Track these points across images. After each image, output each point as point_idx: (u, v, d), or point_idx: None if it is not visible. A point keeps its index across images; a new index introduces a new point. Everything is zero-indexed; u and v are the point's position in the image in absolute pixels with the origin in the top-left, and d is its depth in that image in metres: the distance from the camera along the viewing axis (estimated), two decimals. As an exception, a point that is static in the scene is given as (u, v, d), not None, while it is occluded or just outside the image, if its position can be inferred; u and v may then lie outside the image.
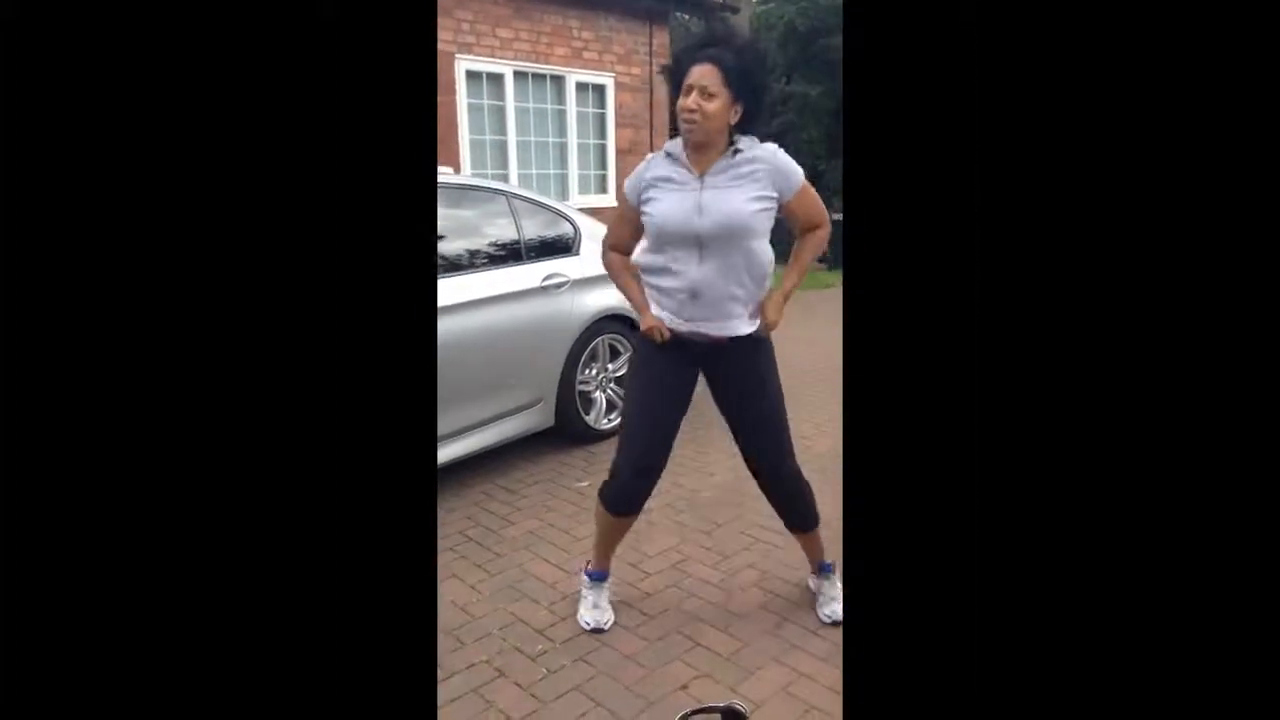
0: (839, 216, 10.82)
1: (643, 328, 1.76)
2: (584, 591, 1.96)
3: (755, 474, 1.86)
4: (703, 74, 1.58)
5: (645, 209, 1.69)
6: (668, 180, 1.67)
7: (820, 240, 1.76)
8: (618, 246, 1.86)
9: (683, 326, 1.70)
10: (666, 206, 1.65)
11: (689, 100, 1.59)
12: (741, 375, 1.75)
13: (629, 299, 1.82)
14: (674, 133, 1.73)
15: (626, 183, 1.77)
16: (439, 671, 1.73)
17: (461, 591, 2.10)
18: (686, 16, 7.43)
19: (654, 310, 1.75)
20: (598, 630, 1.89)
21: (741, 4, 9.11)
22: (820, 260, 10.45)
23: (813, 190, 1.73)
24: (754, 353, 1.74)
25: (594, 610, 1.92)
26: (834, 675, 1.72)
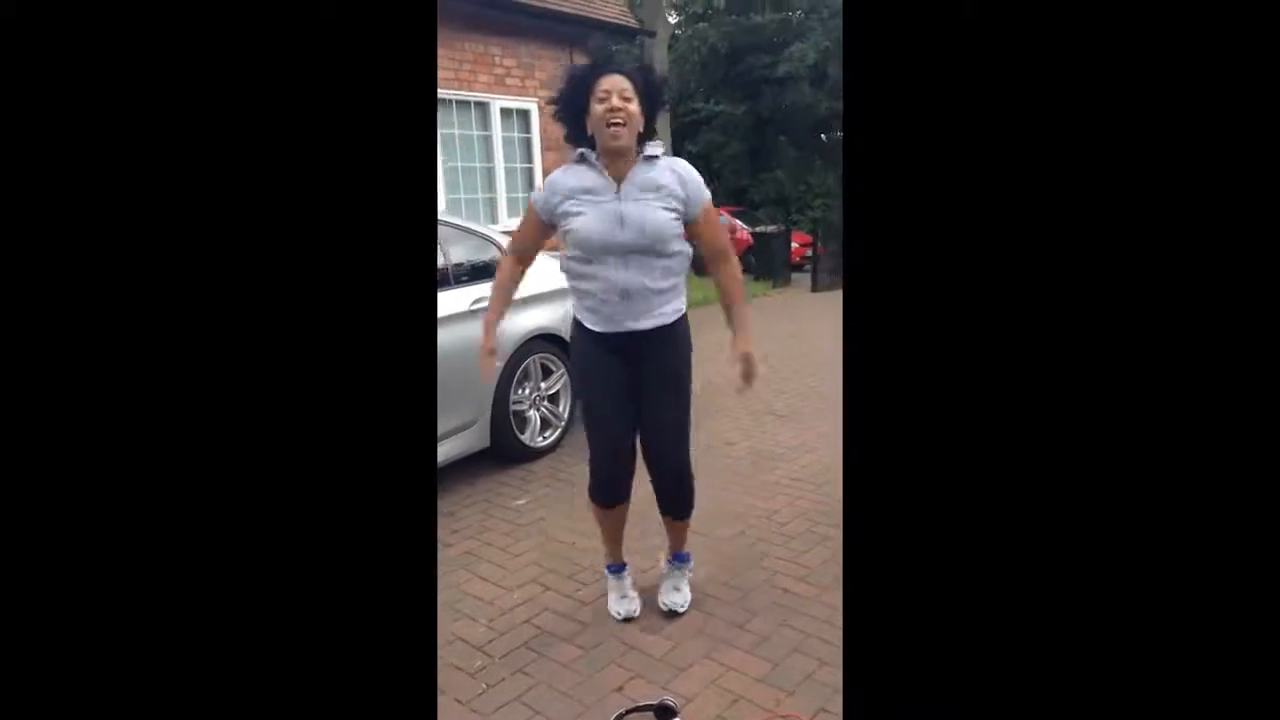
0: (765, 229, 11.13)
1: (483, 353, 1.86)
2: (609, 585, 2.10)
3: (647, 456, 1.91)
4: (616, 82, 1.68)
5: (567, 223, 1.75)
6: (587, 192, 1.74)
7: (738, 277, 1.87)
8: (520, 253, 1.91)
9: (615, 329, 1.79)
10: (589, 221, 1.71)
11: (614, 102, 1.66)
12: (658, 359, 1.84)
13: (490, 312, 1.89)
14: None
15: (536, 196, 1.81)
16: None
17: (400, 615, 2.13)
18: (605, 42, 7.59)
19: (585, 317, 1.82)
20: (629, 619, 2.01)
21: (658, 27, 9.36)
22: (745, 271, 10.75)
23: (715, 212, 1.83)
24: (673, 339, 1.84)
25: (622, 601, 2.06)
26: (760, 667, 1.82)
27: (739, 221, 12.02)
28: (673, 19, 16.08)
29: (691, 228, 1.80)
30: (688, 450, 1.92)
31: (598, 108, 1.68)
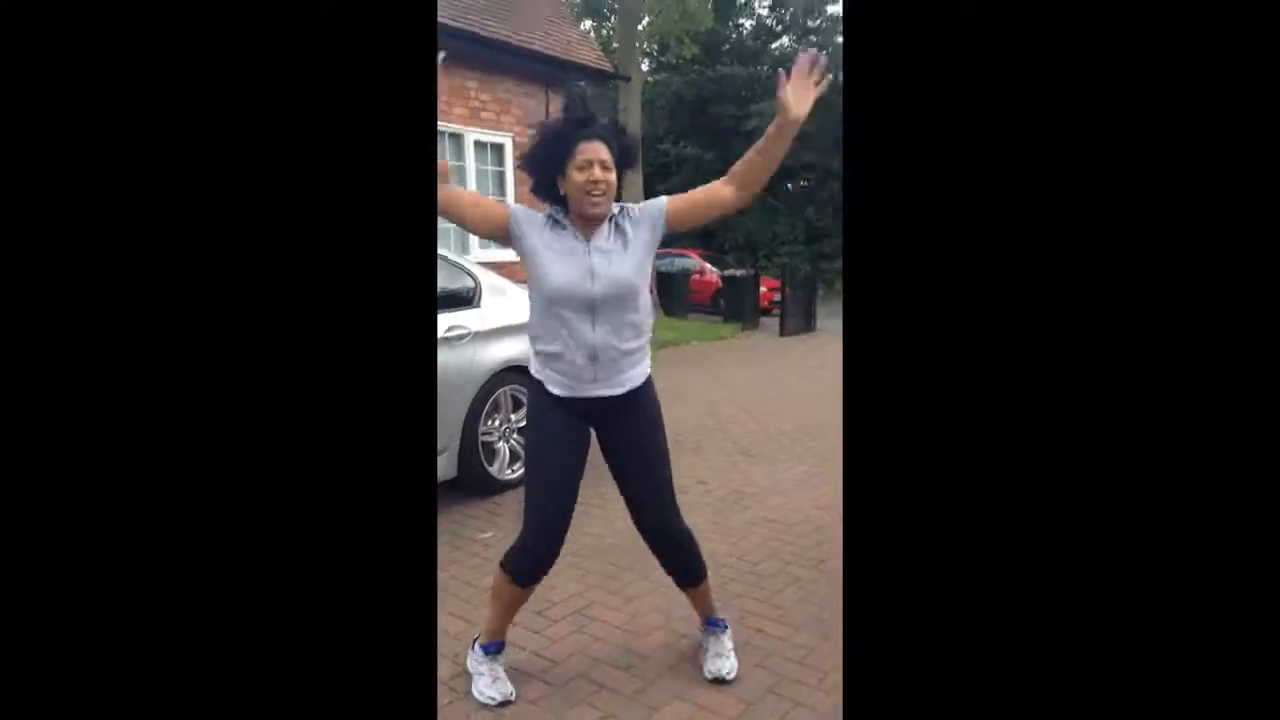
0: (734, 272, 11.24)
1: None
2: (480, 668, 1.86)
3: (640, 530, 1.87)
4: (598, 149, 1.65)
5: (536, 263, 1.71)
6: (558, 243, 1.70)
7: (749, 155, 1.69)
8: (454, 202, 1.72)
9: (582, 391, 1.73)
10: (559, 270, 1.67)
11: (595, 173, 1.63)
12: (630, 430, 1.79)
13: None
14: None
15: (517, 209, 1.74)
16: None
17: (360, 650, 2.03)
18: (583, 84, 7.72)
19: (548, 379, 1.75)
20: (505, 703, 1.80)
21: (632, 73, 9.56)
22: (714, 313, 10.85)
23: (680, 195, 1.78)
24: (642, 406, 1.79)
25: (495, 683, 1.83)
26: (735, 706, 1.78)
27: (708, 264, 12.19)
28: (645, 66, 16.46)
29: (676, 218, 1.74)
30: (677, 512, 1.86)
31: (578, 176, 1.65)
